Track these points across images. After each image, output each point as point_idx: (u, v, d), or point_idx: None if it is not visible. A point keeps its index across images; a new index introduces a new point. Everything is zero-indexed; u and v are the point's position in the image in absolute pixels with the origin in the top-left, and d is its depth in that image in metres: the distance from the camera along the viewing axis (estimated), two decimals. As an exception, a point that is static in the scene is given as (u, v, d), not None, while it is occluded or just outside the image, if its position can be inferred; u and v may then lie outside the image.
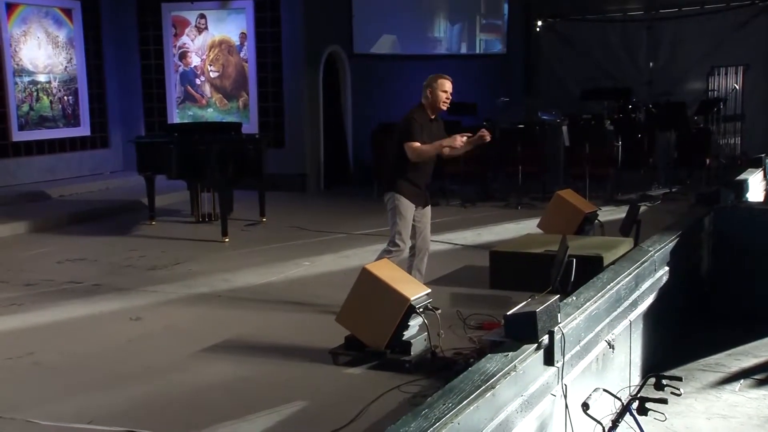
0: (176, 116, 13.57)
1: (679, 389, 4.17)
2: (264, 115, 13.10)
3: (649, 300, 6.09)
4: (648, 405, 4.10)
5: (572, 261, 5.22)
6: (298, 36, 12.76)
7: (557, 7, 15.94)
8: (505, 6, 15.90)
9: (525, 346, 4.02)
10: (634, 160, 11.65)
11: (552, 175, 11.78)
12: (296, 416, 4.20)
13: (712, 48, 14.54)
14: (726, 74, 14.77)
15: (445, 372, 4.31)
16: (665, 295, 6.44)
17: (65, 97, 12.90)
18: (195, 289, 6.92)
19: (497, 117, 12.92)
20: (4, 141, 11.91)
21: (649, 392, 4.21)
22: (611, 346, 5.15)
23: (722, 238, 7.95)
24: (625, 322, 5.52)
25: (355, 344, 4.88)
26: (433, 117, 5.94)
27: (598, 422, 4.13)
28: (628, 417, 4.15)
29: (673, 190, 11.52)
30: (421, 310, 4.78)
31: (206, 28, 13.36)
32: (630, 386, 5.27)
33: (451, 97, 5.90)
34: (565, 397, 4.27)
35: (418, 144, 5.78)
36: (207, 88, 13.49)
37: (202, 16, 13.33)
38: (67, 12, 12.84)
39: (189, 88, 13.56)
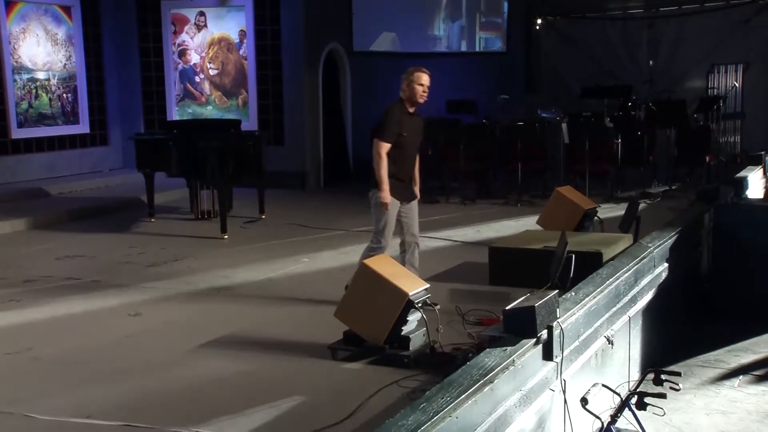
0: (176, 114, 13.57)
1: (678, 384, 4.18)
2: (263, 113, 13.10)
3: (649, 296, 6.10)
4: (647, 400, 4.11)
5: (571, 257, 5.22)
6: (298, 33, 12.75)
7: (558, 5, 15.94)
8: (505, 4, 15.90)
9: (524, 341, 4.02)
10: (634, 157, 11.64)
11: (552, 172, 11.78)
12: (295, 411, 4.20)
13: (713, 46, 14.54)
14: (726, 72, 14.77)
15: (444, 367, 4.31)
16: (664, 291, 6.44)
17: (64, 95, 12.90)
18: (194, 286, 6.92)
19: (497, 115, 12.92)
20: (4, 138, 11.92)
21: (648, 387, 4.22)
22: (610, 342, 5.16)
23: (722, 236, 7.96)
24: (624, 318, 5.52)
25: (354, 339, 4.89)
26: (411, 111, 5.97)
27: (597, 417, 4.13)
28: (626, 412, 4.16)
29: (673, 187, 11.52)
30: (419, 305, 4.78)
31: (206, 25, 13.36)
32: (629, 382, 5.28)
33: (428, 90, 5.93)
34: (564, 392, 4.28)
35: (385, 146, 5.80)
36: (206, 86, 13.49)
37: (202, 14, 13.33)
38: (66, 9, 12.84)
39: (188, 85, 13.56)
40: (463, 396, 3.37)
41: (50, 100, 12.68)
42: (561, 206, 7.35)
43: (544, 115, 12.60)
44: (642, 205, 8.93)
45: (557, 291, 4.50)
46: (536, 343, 4.08)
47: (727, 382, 6.14)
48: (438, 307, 4.98)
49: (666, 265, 6.51)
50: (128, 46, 13.59)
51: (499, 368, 3.69)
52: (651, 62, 14.90)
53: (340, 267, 7.40)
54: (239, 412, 4.16)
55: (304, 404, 4.28)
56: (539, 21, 16.07)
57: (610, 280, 5.29)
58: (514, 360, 3.83)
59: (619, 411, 4.13)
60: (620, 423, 4.13)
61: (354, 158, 13.83)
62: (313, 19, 12.86)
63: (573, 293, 4.86)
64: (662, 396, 4.08)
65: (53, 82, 12.71)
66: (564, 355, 4.28)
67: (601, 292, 5.05)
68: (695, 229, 7.62)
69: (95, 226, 9.77)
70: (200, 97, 13.54)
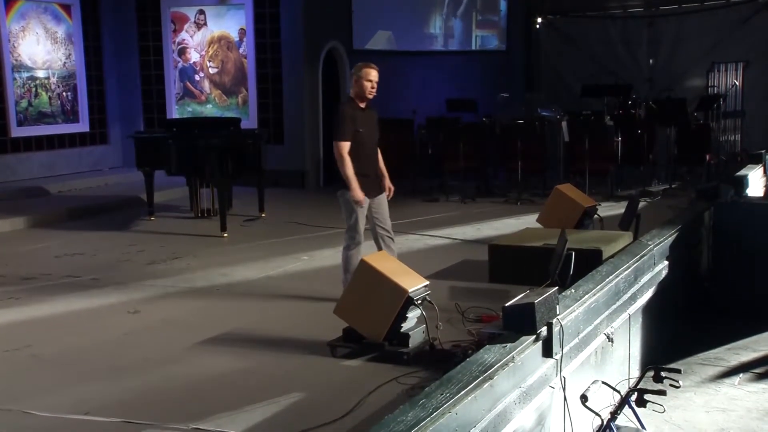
0: (175, 112, 13.57)
1: (678, 381, 4.18)
2: (263, 112, 13.09)
3: (648, 294, 6.10)
4: (647, 397, 4.11)
5: (571, 254, 5.22)
6: (298, 32, 12.75)
7: (557, 3, 15.93)
8: (503, 3, 15.89)
9: (523, 338, 4.02)
10: (634, 156, 11.63)
11: (552, 171, 11.78)
12: (294, 407, 4.19)
13: (713, 44, 14.53)
14: (726, 71, 14.77)
15: (444, 364, 4.30)
16: (664, 289, 6.44)
17: (64, 93, 12.90)
18: (193, 284, 6.92)
19: (497, 113, 12.91)
20: (3, 137, 11.92)
21: (648, 384, 4.22)
22: (610, 340, 5.16)
23: (722, 234, 7.96)
24: (624, 316, 5.52)
25: (354, 336, 4.88)
26: (363, 106, 6.01)
27: (597, 414, 4.13)
28: (626, 409, 4.15)
29: (673, 186, 11.52)
30: (419, 302, 4.77)
31: (205, 23, 13.35)
32: (629, 379, 5.28)
33: (376, 86, 5.97)
34: (564, 389, 4.27)
35: (345, 145, 5.84)
36: (206, 84, 13.48)
37: (201, 12, 13.33)
38: (66, 8, 12.83)
39: (188, 84, 13.56)
40: (463, 392, 3.37)
41: (50, 98, 12.67)
42: (561, 204, 7.35)
43: (544, 113, 12.59)
44: (642, 204, 8.93)
45: (557, 288, 4.50)
46: (536, 340, 4.08)
47: (727, 380, 6.14)
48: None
49: (666, 263, 6.51)
50: (128, 44, 13.58)
51: (498, 365, 3.69)
52: (651, 61, 14.89)
53: (340, 264, 7.37)
54: (238, 409, 4.15)
55: (303, 401, 4.27)
56: (539, 20, 16.06)
57: (610, 277, 5.29)
58: (513, 357, 3.82)
59: (619, 408, 4.13)
60: (620, 420, 4.13)
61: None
62: (313, 18, 12.85)
63: (573, 290, 4.86)
64: (662, 393, 4.08)
65: (53, 80, 12.71)
66: (564, 352, 4.28)
67: (601, 289, 5.05)
68: (695, 227, 7.63)
69: (95, 225, 9.76)
70: (200, 95, 13.53)
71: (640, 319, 5.94)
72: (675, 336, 6.79)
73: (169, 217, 10.21)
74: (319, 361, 4.84)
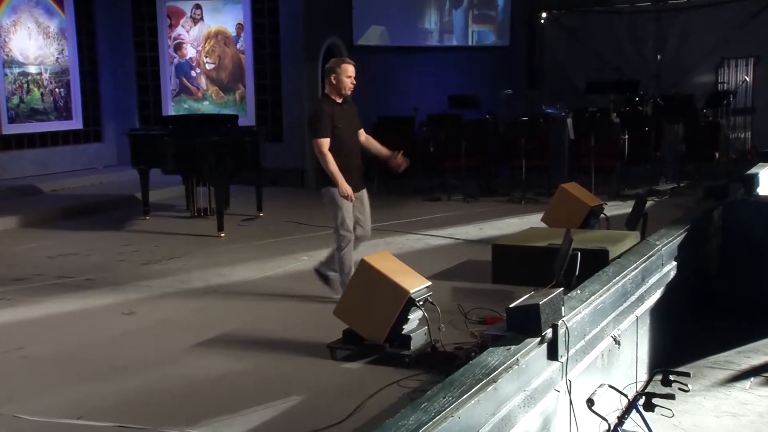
0: (171, 109, 13.56)
1: (687, 385, 4.16)
2: (261, 109, 13.08)
3: (656, 295, 6.08)
4: (655, 401, 4.10)
5: (576, 254, 5.21)
6: (297, 27, 12.73)
7: (563, -2, 15.95)
8: (502, -3, 15.90)
9: (528, 340, 4.00)
10: (640, 154, 11.63)
11: (556, 169, 11.77)
12: (293, 411, 4.19)
13: (722, 39, 14.53)
14: (736, 66, 14.76)
15: (446, 366, 4.30)
16: (673, 290, 6.42)
17: (57, 90, 12.89)
18: (190, 284, 6.91)
19: (500, 110, 12.91)
20: (-6, 134, 11.93)
21: (656, 388, 4.21)
22: (617, 342, 5.14)
23: (731, 233, 7.94)
24: (632, 318, 5.51)
25: (354, 338, 4.87)
26: (340, 101, 6.05)
27: (604, 419, 4.11)
28: (634, 414, 4.14)
29: (681, 184, 11.51)
30: (421, 303, 4.77)
31: (202, 18, 13.34)
32: (636, 383, 5.27)
33: (355, 82, 6.04)
34: (570, 392, 4.26)
35: (325, 142, 5.91)
36: (203, 81, 13.48)
37: (198, 7, 13.32)
38: (59, 2, 12.82)
39: (184, 80, 13.55)
40: (466, 396, 3.35)
41: (42, 94, 12.66)
42: (566, 203, 7.34)
43: (548, 110, 12.60)
44: (649, 203, 8.91)
45: (562, 289, 4.48)
46: (541, 342, 4.06)
47: (738, 384, 6.12)
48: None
49: (674, 263, 6.50)
50: (123, 39, 13.57)
51: (502, 368, 3.67)
52: (659, 56, 14.88)
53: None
54: (236, 412, 4.15)
55: (302, 404, 4.27)
56: (543, 14, 16.05)
57: (617, 278, 5.27)
58: (518, 359, 3.81)
59: (626, 412, 4.12)
60: (627, 425, 4.12)
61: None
62: (313, 13, 12.84)
63: (578, 291, 4.84)
64: (671, 397, 4.06)
65: (45, 76, 12.70)
66: (569, 354, 4.27)
67: (608, 290, 5.03)
68: (704, 226, 7.61)
69: (88, 224, 9.75)
70: (196, 92, 13.52)
71: (648, 321, 5.92)
72: (683, 338, 6.77)
73: (165, 217, 10.20)
74: (318, 363, 4.83)
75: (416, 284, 4.83)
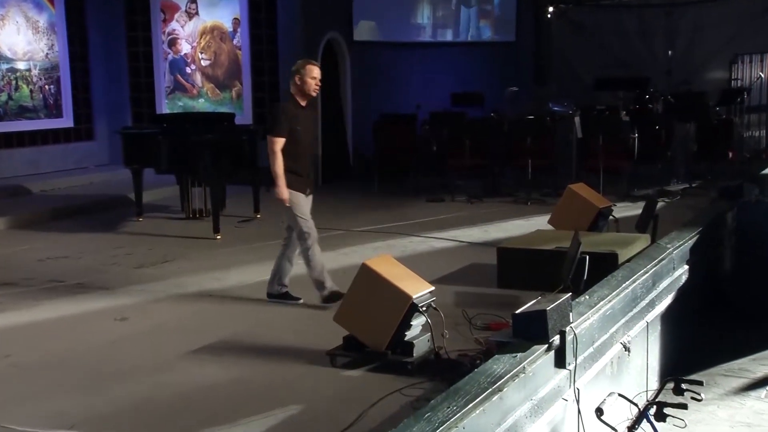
0: (165, 107, 13.56)
1: (699, 394, 4.16)
2: (259, 106, 13.08)
3: (668, 300, 6.08)
4: (666, 411, 4.09)
5: (585, 258, 5.21)
6: (295, 22, 12.73)
7: (571, -8, 15.93)
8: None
9: (534, 347, 4.01)
10: (651, 153, 11.61)
11: (564, 169, 11.76)
12: (291, 421, 4.18)
13: (735, 34, 14.49)
14: (750, 62, 14.74)
15: (450, 374, 4.30)
16: (685, 295, 6.42)
17: (47, 86, 12.89)
18: (185, 288, 6.91)
19: (505, 108, 12.90)
20: (-18, 132, 11.93)
21: (668, 397, 4.20)
22: (627, 349, 5.14)
23: (746, 235, 7.95)
24: (642, 324, 5.51)
25: (354, 345, 4.87)
26: (304, 104, 6.19)
27: (613, 429, 4.12)
28: (645, 424, 4.14)
29: (693, 185, 11.50)
30: (424, 308, 4.76)
31: (197, 13, 13.35)
32: (647, 392, 5.26)
33: (320, 84, 6.18)
34: (578, 401, 4.26)
35: (279, 141, 6.01)
36: (198, 78, 13.48)
37: (193, 1, 13.32)
38: (49, -5, 12.84)
39: (179, 77, 13.55)
40: (471, 405, 3.36)
41: (31, 91, 12.66)
42: (574, 204, 7.33)
43: (555, 108, 12.59)
44: (660, 204, 8.90)
45: (570, 294, 4.48)
46: (548, 350, 4.06)
47: (753, 393, 6.12)
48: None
49: (686, 267, 6.50)
50: (115, 34, 13.57)
51: (508, 376, 3.68)
52: (669, 52, 14.86)
53: (340, 269, 7.37)
54: (232, 421, 4.15)
55: (301, 414, 4.26)
56: (550, 9, 16.04)
57: (627, 282, 5.27)
58: (524, 367, 3.81)
59: (636, 422, 4.11)
60: (638, 435, 4.11)
61: (354, 153, 13.80)
62: (312, 7, 12.84)
63: (587, 297, 4.85)
64: (683, 407, 4.06)
65: (34, 72, 12.70)
66: (578, 362, 4.27)
67: (617, 295, 5.04)
68: (717, 229, 7.61)
69: (80, 226, 9.75)
70: (191, 89, 13.53)
71: (659, 327, 5.93)
72: (696, 345, 6.77)
73: (159, 218, 10.20)
74: (317, 371, 4.83)
75: (419, 289, 4.83)
